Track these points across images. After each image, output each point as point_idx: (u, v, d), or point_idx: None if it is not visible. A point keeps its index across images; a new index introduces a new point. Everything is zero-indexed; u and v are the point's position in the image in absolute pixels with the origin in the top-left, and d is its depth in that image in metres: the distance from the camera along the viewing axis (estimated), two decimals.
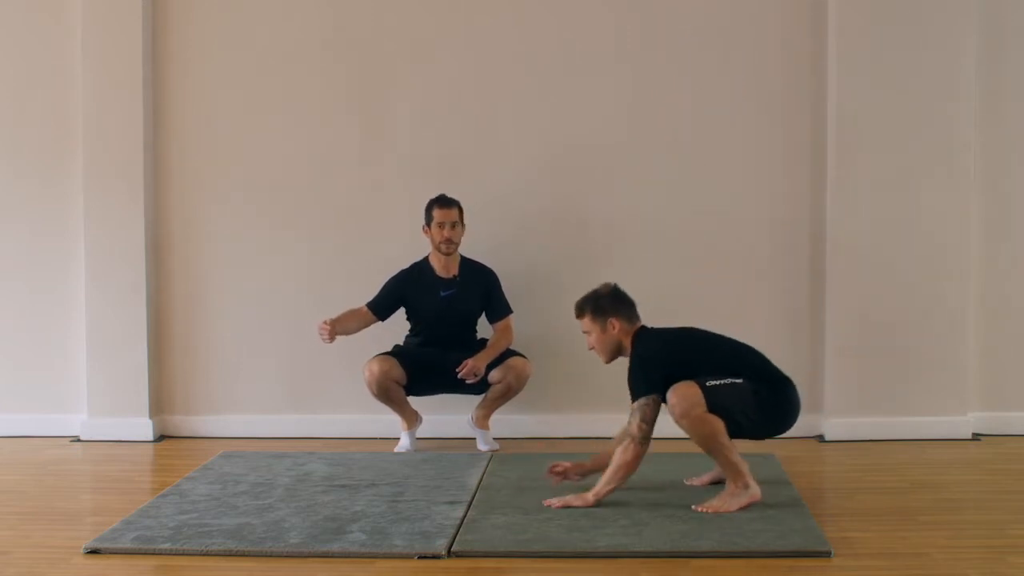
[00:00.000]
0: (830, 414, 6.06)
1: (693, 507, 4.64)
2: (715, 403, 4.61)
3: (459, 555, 4.20)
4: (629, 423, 4.67)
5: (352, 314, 5.83)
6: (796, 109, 6.12)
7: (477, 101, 6.22)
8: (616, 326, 4.81)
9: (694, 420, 4.60)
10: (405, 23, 6.22)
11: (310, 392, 6.31)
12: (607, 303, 4.83)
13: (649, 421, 4.64)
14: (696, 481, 5.08)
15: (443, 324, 5.87)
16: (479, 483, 5.14)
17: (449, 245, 5.84)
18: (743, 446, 5.51)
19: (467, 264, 5.95)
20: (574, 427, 6.17)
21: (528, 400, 6.09)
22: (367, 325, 5.85)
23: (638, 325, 4.86)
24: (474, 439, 5.96)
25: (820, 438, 6.06)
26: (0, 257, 6.35)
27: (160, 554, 4.25)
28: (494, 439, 5.95)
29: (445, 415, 6.09)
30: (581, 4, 6.18)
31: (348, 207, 6.27)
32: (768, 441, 5.90)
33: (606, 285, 4.91)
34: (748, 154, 6.15)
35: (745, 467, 4.68)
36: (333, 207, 6.27)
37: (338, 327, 5.70)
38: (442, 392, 5.88)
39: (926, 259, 5.99)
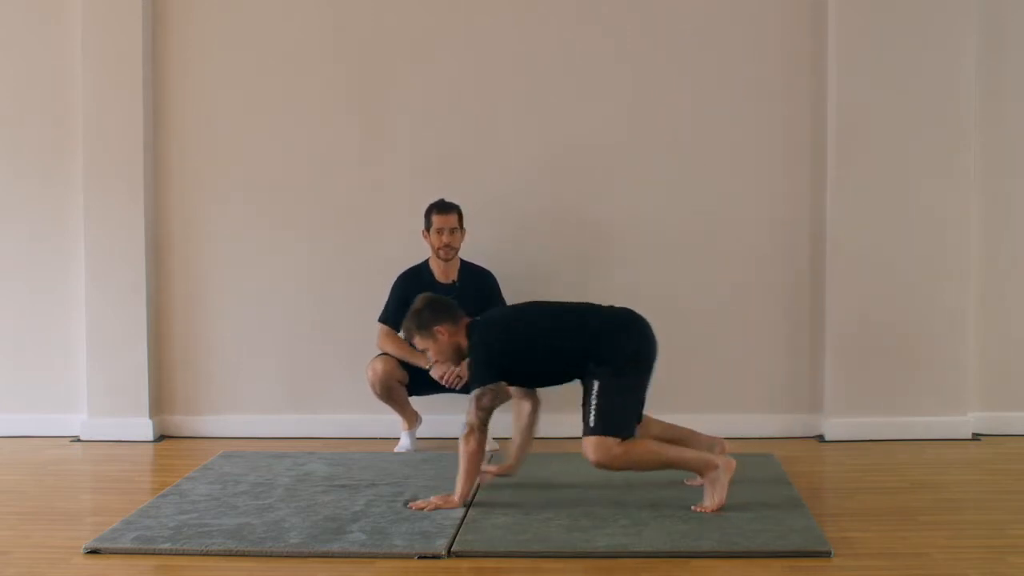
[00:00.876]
0: (830, 414, 6.06)
1: (693, 507, 4.64)
2: (613, 427, 4.62)
3: (459, 555, 4.20)
4: (468, 412, 4.72)
5: (395, 342, 5.71)
6: (796, 109, 6.12)
7: (477, 101, 6.22)
8: (444, 332, 4.83)
9: (619, 459, 4.62)
10: (405, 23, 6.22)
11: (310, 392, 6.31)
12: (427, 315, 4.85)
13: (485, 407, 4.70)
14: (695, 482, 5.07)
15: None
16: (479, 483, 5.14)
17: (448, 251, 5.83)
18: (743, 446, 5.52)
19: (466, 268, 5.94)
20: (574, 427, 6.14)
21: None
22: None
23: (464, 322, 4.87)
24: None
25: (820, 438, 6.07)
26: (0, 257, 6.34)
27: (160, 554, 4.25)
28: (493, 439, 5.95)
29: (445, 415, 6.08)
30: (581, 4, 6.18)
31: (348, 207, 6.27)
32: (768, 441, 5.93)
33: (420, 298, 4.92)
34: (748, 154, 6.15)
35: (699, 454, 4.70)
36: (333, 207, 6.27)
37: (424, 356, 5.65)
38: (443, 392, 5.87)
39: (926, 259, 5.99)
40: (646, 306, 6.08)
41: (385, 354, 5.78)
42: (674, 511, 4.63)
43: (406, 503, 4.77)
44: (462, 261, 5.93)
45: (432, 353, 4.90)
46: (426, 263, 5.92)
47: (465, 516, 4.62)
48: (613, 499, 4.83)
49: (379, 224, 6.27)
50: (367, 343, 5.92)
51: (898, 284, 6.01)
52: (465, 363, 5.64)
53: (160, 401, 6.33)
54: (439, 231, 5.81)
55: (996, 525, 4.54)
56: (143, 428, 6.22)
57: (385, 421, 6.01)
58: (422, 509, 4.68)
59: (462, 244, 5.89)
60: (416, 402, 5.95)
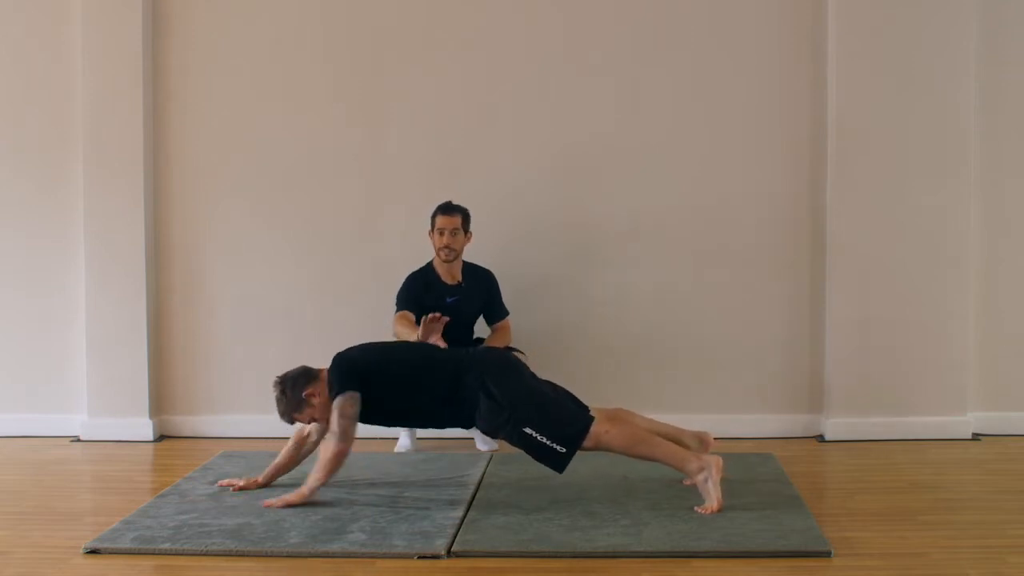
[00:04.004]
0: (830, 414, 6.05)
1: (695, 508, 4.63)
2: (563, 438, 4.63)
3: (459, 555, 4.20)
4: (330, 422, 4.75)
5: (408, 322, 5.74)
6: (796, 109, 6.12)
7: (478, 102, 6.22)
8: (317, 393, 4.86)
9: (607, 438, 4.64)
10: (406, 24, 6.22)
11: None
12: (292, 392, 4.87)
13: (347, 416, 4.72)
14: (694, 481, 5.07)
15: (447, 330, 5.85)
16: (479, 483, 5.14)
17: (448, 252, 5.83)
18: (743, 446, 5.53)
19: (469, 269, 5.94)
20: None
21: None
22: None
23: (322, 373, 4.90)
24: (473, 439, 5.96)
25: (820, 438, 6.07)
26: (0, 257, 6.34)
27: (160, 554, 4.25)
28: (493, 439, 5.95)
29: None
30: (583, 5, 6.18)
31: (348, 207, 6.26)
32: (768, 441, 5.93)
33: (274, 384, 4.93)
34: (748, 154, 6.15)
35: (684, 452, 4.70)
36: (333, 207, 6.27)
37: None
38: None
39: (926, 259, 5.99)
40: (646, 306, 6.14)
41: None
42: (674, 511, 4.63)
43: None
44: (464, 262, 5.93)
45: (317, 416, 4.88)
46: (430, 264, 5.92)
47: (465, 516, 4.62)
48: (613, 499, 4.83)
49: (379, 224, 6.27)
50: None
51: (898, 284, 6.01)
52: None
53: (160, 401, 6.33)
54: (440, 232, 5.81)
55: (996, 525, 4.54)
56: (143, 428, 6.22)
57: None
58: (273, 507, 4.73)
59: (465, 247, 5.88)
60: None
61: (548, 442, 4.63)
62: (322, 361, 6.19)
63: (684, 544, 4.24)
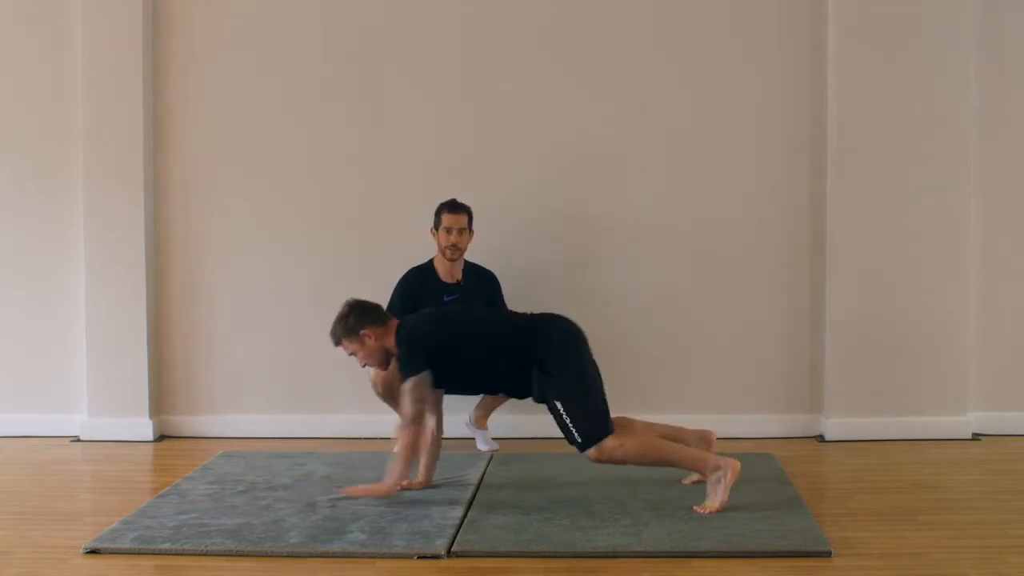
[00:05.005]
0: (830, 414, 6.05)
1: (694, 508, 4.63)
2: (589, 432, 4.63)
3: (459, 555, 4.20)
4: (402, 406, 4.75)
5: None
6: (796, 110, 6.12)
7: (478, 103, 6.22)
8: (372, 335, 4.83)
9: (619, 454, 4.63)
10: (406, 24, 6.22)
11: (310, 392, 6.30)
12: (354, 320, 4.85)
13: (419, 399, 4.71)
14: (695, 480, 5.07)
15: None
16: (479, 483, 5.14)
17: (455, 251, 5.83)
18: (743, 446, 5.53)
19: (471, 268, 5.94)
20: None
21: (528, 400, 6.09)
22: None
23: (393, 323, 4.88)
24: (473, 439, 5.96)
25: (820, 438, 6.06)
26: (0, 257, 6.34)
27: (160, 554, 4.25)
28: (493, 439, 5.96)
29: (445, 415, 6.07)
30: (584, 6, 6.18)
31: (349, 207, 6.26)
32: (768, 441, 5.93)
33: (346, 304, 4.91)
34: (748, 154, 6.15)
35: (702, 453, 4.71)
36: (334, 207, 6.27)
37: None
38: (444, 393, 5.86)
39: (926, 259, 5.99)
40: (646, 306, 6.13)
41: None
42: (674, 511, 4.63)
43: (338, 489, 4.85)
44: (466, 261, 5.93)
45: (360, 357, 4.88)
46: (431, 262, 5.92)
47: (465, 516, 4.62)
48: (613, 499, 4.83)
49: (380, 224, 6.27)
50: None
51: (898, 284, 6.01)
52: None
53: (160, 401, 6.33)
54: (447, 230, 5.80)
55: (996, 525, 4.54)
56: (143, 428, 6.22)
57: (385, 421, 6.00)
58: (351, 496, 4.75)
59: (469, 246, 5.89)
60: None
61: (570, 424, 4.65)
62: (323, 361, 6.24)
63: (684, 544, 4.24)
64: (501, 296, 5.97)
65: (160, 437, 6.29)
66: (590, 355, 4.85)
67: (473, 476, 5.25)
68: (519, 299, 6.05)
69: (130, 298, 6.19)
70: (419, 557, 4.17)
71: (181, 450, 6.04)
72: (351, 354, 4.92)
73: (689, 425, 5.75)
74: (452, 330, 4.85)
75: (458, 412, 6.00)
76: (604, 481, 5.12)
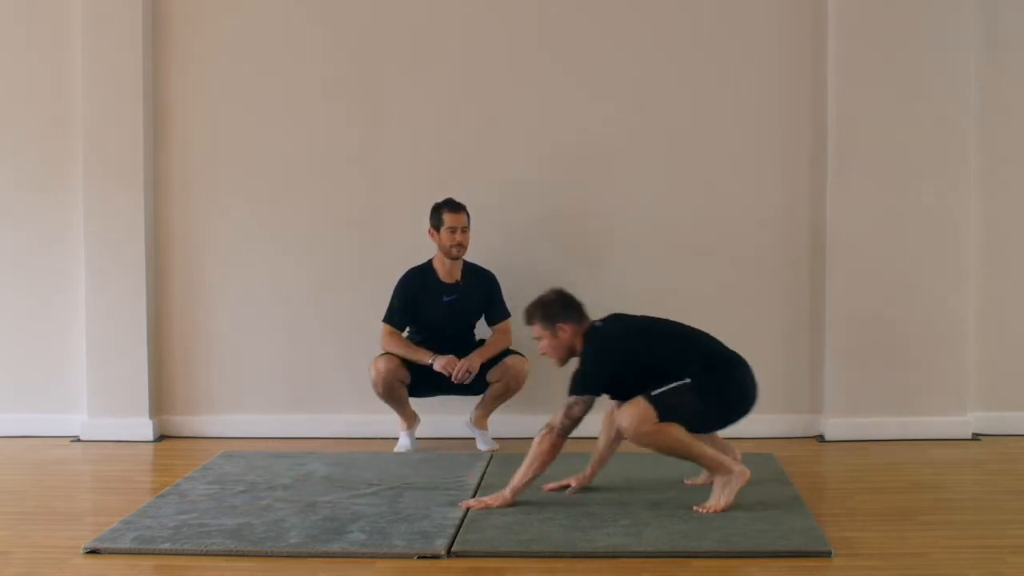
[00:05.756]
0: (830, 414, 6.05)
1: (694, 508, 4.64)
2: (664, 409, 4.61)
3: (459, 555, 4.20)
4: (556, 415, 4.69)
5: (398, 342, 5.80)
6: (796, 109, 6.12)
7: (478, 103, 6.22)
8: (566, 330, 4.81)
9: (648, 435, 4.62)
10: (406, 25, 6.22)
11: (310, 392, 6.30)
12: (556, 309, 4.84)
13: (574, 419, 4.66)
14: (695, 481, 5.08)
15: (444, 329, 5.86)
16: (479, 483, 5.14)
17: (460, 249, 5.83)
18: (743, 446, 5.52)
19: (470, 268, 5.94)
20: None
21: (528, 400, 6.10)
22: None
23: (587, 324, 4.86)
24: (473, 439, 5.96)
25: (820, 438, 6.06)
26: (0, 258, 6.34)
27: (160, 554, 4.25)
28: (493, 439, 5.96)
29: (445, 415, 6.09)
30: (584, 6, 6.18)
31: (349, 207, 6.26)
32: (768, 441, 5.92)
33: (552, 290, 4.91)
34: (748, 154, 6.15)
35: (721, 455, 4.70)
36: (334, 208, 6.27)
37: (428, 352, 5.75)
38: (443, 393, 5.87)
39: (926, 259, 5.99)
40: (646, 306, 6.09)
41: (388, 353, 5.78)
42: (674, 511, 4.63)
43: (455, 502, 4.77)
44: (464, 261, 5.93)
45: (543, 345, 4.85)
46: (430, 263, 5.92)
47: (465, 516, 4.62)
48: (613, 499, 4.83)
49: (379, 225, 6.27)
50: (367, 343, 5.92)
51: (898, 284, 6.01)
52: (474, 357, 5.66)
53: (160, 401, 6.33)
54: (451, 230, 5.80)
55: (996, 525, 4.54)
56: (143, 428, 6.22)
57: (385, 421, 6.01)
58: (472, 508, 4.68)
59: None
60: (415, 402, 5.94)
61: (662, 388, 4.61)
62: (323, 361, 6.24)
63: (684, 544, 4.24)
64: (500, 296, 5.97)
65: (160, 437, 6.28)
66: (731, 415, 4.81)
67: (473, 476, 5.25)
68: (518, 298, 6.04)
69: (130, 298, 6.19)
70: (419, 557, 4.17)
71: (181, 450, 6.04)
72: (536, 338, 4.88)
73: None
74: (644, 351, 4.76)
75: (459, 412, 6.01)
76: (604, 481, 5.12)
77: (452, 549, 4.23)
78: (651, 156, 6.18)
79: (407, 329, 5.93)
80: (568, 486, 4.96)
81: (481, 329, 6.02)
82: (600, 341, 4.79)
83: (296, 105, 6.27)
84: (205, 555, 4.22)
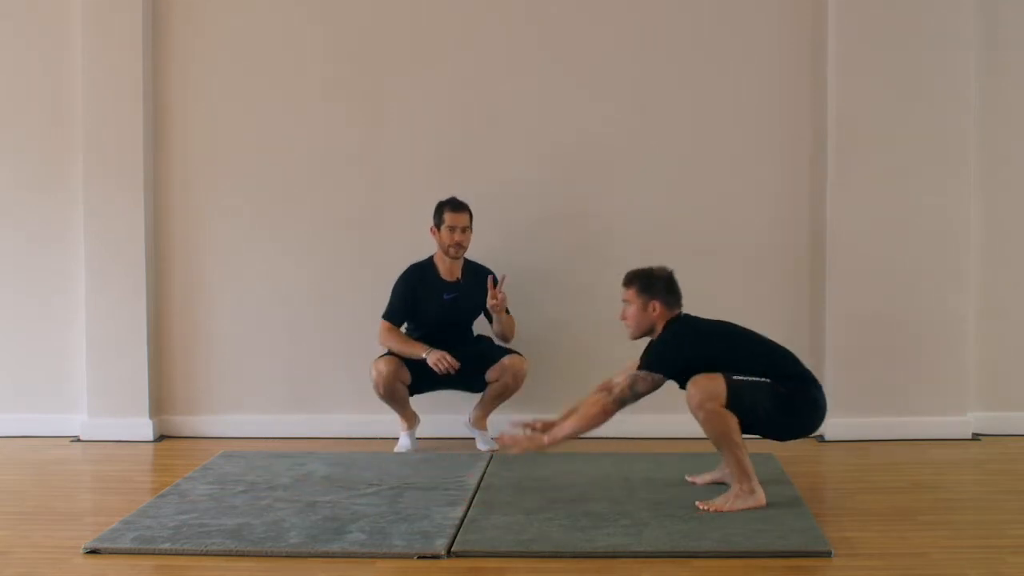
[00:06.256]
0: (830, 414, 6.02)
1: (697, 503, 4.65)
2: (736, 397, 4.60)
3: (459, 555, 4.20)
4: (618, 383, 4.68)
5: (396, 336, 5.82)
6: (796, 109, 6.12)
7: (478, 102, 6.22)
8: (657, 309, 4.82)
9: (709, 413, 4.60)
10: (407, 25, 6.22)
11: (310, 392, 6.30)
12: (659, 286, 4.84)
13: (636, 393, 4.66)
14: (697, 479, 5.08)
15: (444, 326, 5.87)
16: (479, 483, 5.14)
17: (459, 249, 5.84)
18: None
19: (470, 266, 5.95)
20: None
21: (528, 400, 6.10)
22: None
23: (675, 312, 4.87)
24: (473, 439, 5.96)
25: (820, 438, 6.06)
26: (0, 257, 6.34)
27: (160, 554, 4.25)
28: (492, 439, 5.95)
29: (445, 415, 6.10)
30: (584, 6, 6.18)
31: (349, 207, 6.26)
32: (768, 441, 5.91)
33: (663, 268, 4.91)
34: (748, 154, 6.15)
35: (753, 471, 4.69)
36: (334, 208, 6.27)
37: (423, 345, 5.74)
38: (443, 388, 5.87)
39: (926, 259, 5.99)
40: None
41: (389, 354, 5.78)
42: (674, 511, 4.63)
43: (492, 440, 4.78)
44: (465, 259, 5.94)
45: (629, 312, 4.85)
46: (431, 260, 5.92)
47: (465, 516, 4.62)
48: (613, 499, 4.83)
49: (380, 224, 6.27)
50: (367, 343, 5.92)
51: (898, 284, 6.01)
52: (502, 301, 5.70)
53: (160, 401, 6.33)
54: (451, 229, 5.80)
55: (996, 525, 4.54)
56: (143, 428, 6.22)
57: (385, 421, 6.01)
58: (506, 444, 4.70)
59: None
60: (416, 401, 5.94)
61: (735, 377, 4.63)
62: (323, 361, 6.24)
63: (684, 544, 4.24)
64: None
65: (160, 437, 6.28)
66: (799, 430, 4.84)
67: (473, 476, 5.25)
68: (518, 298, 6.06)
69: (130, 298, 6.19)
70: (419, 557, 4.17)
71: (181, 450, 6.04)
72: (624, 301, 4.88)
73: (688, 424, 5.72)
74: (713, 350, 4.76)
75: (459, 412, 6.01)
76: (604, 481, 5.12)
77: (452, 549, 4.23)
78: (651, 156, 6.18)
79: (405, 325, 5.93)
80: (535, 427, 4.87)
81: (482, 327, 6.02)
82: (684, 326, 4.82)
83: (296, 105, 6.27)
84: (205, 555, 4.22)
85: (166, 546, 4.28)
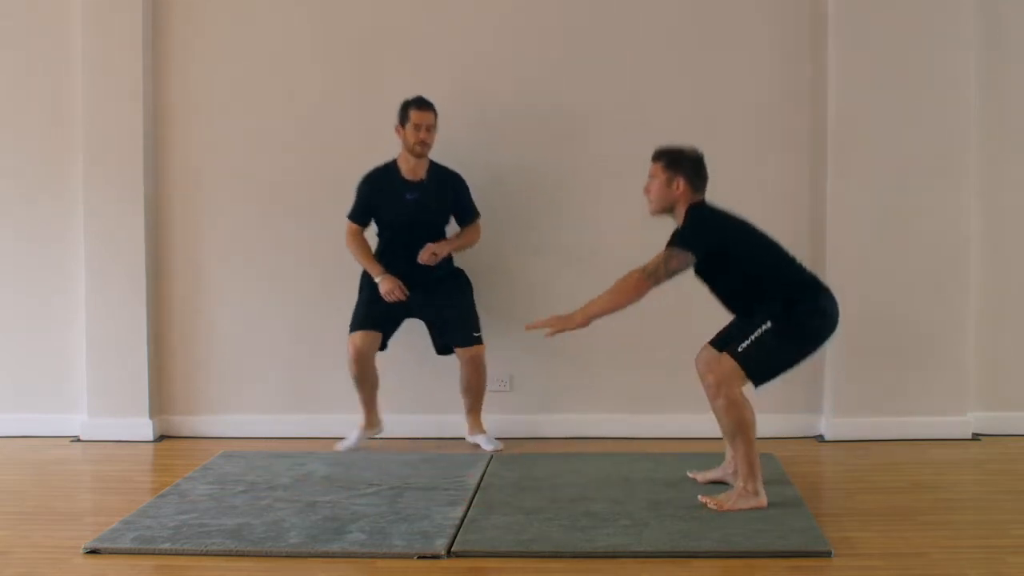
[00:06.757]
0: (830, 414, 6.05)
1: (700, 497, 4.67)
2: (750, 363, 4.63)
3: (459, 555, 4.20)
4: (650, 260, 4.66)
5: (358, 244, 5.85)
6: (796, 109, 6.12)
7: (477, 101, 6.21)
8: (680, 187, 4.78)
9: (728, 402, 4.63)
10: (407, 26, 6.21)
11: (310, 392, 6.30)
12: (687, 164, 4.79)
13: (669, 270, 4.64)
14: (698, 476, 5.08)
15: (409, 228, 5.80)
16: (479, 483, 5.14)
17: (424, 147, 5.78)
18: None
19: (436, 168, 5.88)
20: (574, 427, 6.17)
21: (528, 400, 6.11)
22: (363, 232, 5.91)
23: (698, 198, 4.82)
24: (466, 440, 5.97)
25: (820, 438, 6.06)
26: (0, 257, 6.34)
27: (160, 554, 4.25)
28: (496, 439, 5.94)
29: (445, 415, 6.10)
30: (583, 5, 6.17)
31: (348, 207, 6.25)
32: (768, 441, 5.91)
33: (694, 149, 4.86)
34: (748, 154, 6.15)
35: (760, 472, 4.69)
36: (333, 207, 6.24)
37: (380, 266, 5.76)
38: (414, 317, 5.85)
39: (926, 259, 5.99)
40: (645, 305, 6.08)
41: (362, 330, 5.76)
42: (674, 511, 4.63)
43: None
44: (431, 161, 5.88)
45: (652, 186, 4.82)
46: (394, 161, 5.88)
47: (465, 516, 4.62)
48: (613, 499, 4.83)
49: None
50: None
51: (898, 284, 6.01)
52: (442, 244, 5.73)
53: (160, 401, 6.33)
54: (416, 127, 5.75)
55: (996, 525, 4.54)
56: (143, 428, 6.22)
57: (384, 421, 6.01)
58: (542, 328, 4.69)
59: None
60: (416, 403, 5.94)
61: (750, 341, 4.64)
62: (323, 361, 6.23)
63: (684, 544, 4.24)
64: (469, 197, 5.92)
65: (160, 437, 6.28)
66: (819, 344, 4.81)
67: (473, 476, 5.25)
68: (518, 300, 6.06)
69: (130, 298, 6.19)
70: (419, 557, 4.17)
71: (181, 450, 6.04)
72: (650, 175, 4.85)
73: (688, 424, 5.77)
74: (739, 236, 4.77)
75: (459, 412, 6.01)
76: (604, 481, 5.12)
77: (452, 549, 4.23)
78: (650, 156, 6.16)
79: (376, 233, 5.92)
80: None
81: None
82: (712, 210, 4.79)
83: (296, 105, 6.26)
84: (205, 555, 4.22)
85: (166, 546, 4.28)
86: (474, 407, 5.93)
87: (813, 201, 6.11)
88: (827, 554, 4.14)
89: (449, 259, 5.92)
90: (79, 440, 6.24)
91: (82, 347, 6.26)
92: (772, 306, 4.70)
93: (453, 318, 5.85)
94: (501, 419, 6.08)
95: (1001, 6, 6.05)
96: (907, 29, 5.94)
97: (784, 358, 4.72)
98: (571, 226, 6.20)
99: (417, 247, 5.75)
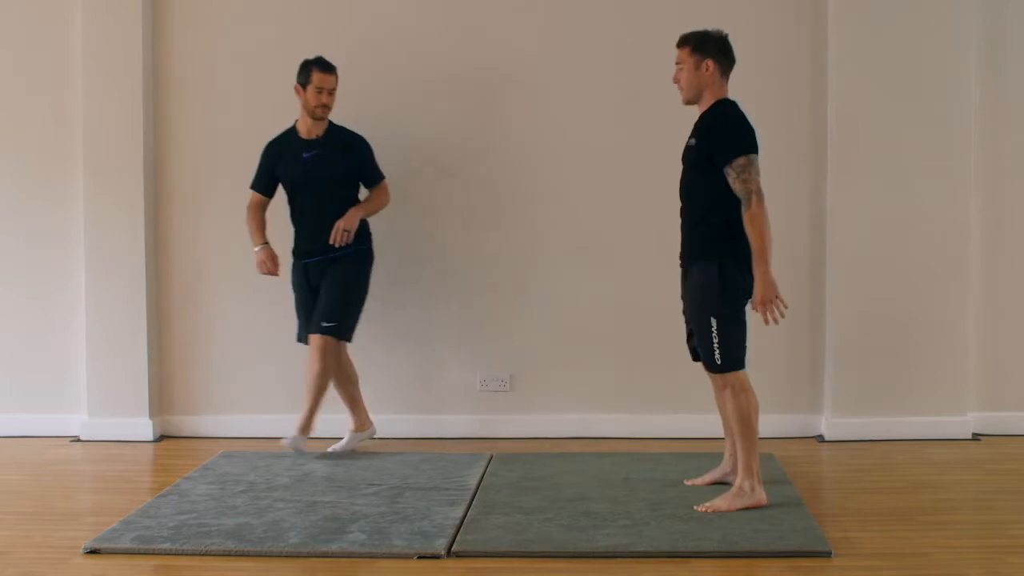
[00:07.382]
0: (830, 414, 6.05)
1: (695, 507, 4.64)
2: (733, 358, 4.70)
3: (459, 555, 4.20)
4: (743, 187, 4.59)
5: (253, 214, 5.83)
6: (796, 109, 6.12)
7: (476, 100, 6.20)
8: (710, 69, 4.71)
9: (736, 392, 4.66)
10: (407, 26, 6.21)
11: None
12: (713, 45, 4.73)
13: (758, 176, 4.59)
14: (696, 481, 5.08)
15: (309, 188, 5.73)
16: (479, 483, 5.14)
17: (323, 110, 5.74)
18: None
19: (335, 129, 5.84)
20: (574, 427, 6.16)
21: (527, 400, 6.11)
22: (266, 207, 5.86)
23: (725, 89, 4.77)
24: (469, 438, 5.96)
25: (820, 438, 6.06)
26: (0, 258, 6.34)
27: (160, 554, 4.25)
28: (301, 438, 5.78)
29: (444, 415, 6.10)
30: (580, 5, 6.17)
31: None
32: (768, 441, 5.91)
33: (718, 30, 4.80)
34: None
35: (759, 469, 4.69)
36: None
37: (262, 238, 5.77)
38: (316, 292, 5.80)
39: (926, 259, 5.99)
40: (646, 306, 6.12)
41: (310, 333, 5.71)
42: (674, 511, 4.63)
43: None
44: (334, 123, 5.84)
45: (681, 75, 4.76)
46: (293, 126, 5.85)
47: (465, 516, 4.62)
48: (613, 499, 4.83)
49: (378, 224, 6.25)
50: (367, 342, 5.92)
51: (898, 284, 6.00)
52: (350, 214, 5.60)
53: (160, 401, 6.33)
54: (318, 90, 5.71)
55: (996, 525, 4.55)
56: (143, 428, 6.22)
57: (384, 421, 6.01)
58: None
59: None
60: (416, 402, 5.93)
61: (716, 345, 4.65)
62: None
63: (684, 544, 4.24)
64: (373, 160, 5.85)
65: (160, 437, 6.28)
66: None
67: (473, 476, 5.25)
68: (519, 303, 6.06)
69: (130, 298, 6.19)
70: (419, 557, 4.17)
71: (181, 450, 6.04)
72: (677, 64, 4.79)
73: (688, 424, 5.76)
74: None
75: (459, 412, 6.01)
76: (604, 481, 5.12)
77: (452, 549, 4.23)
78: (650, 156, 6.16)
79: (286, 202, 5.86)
80: None
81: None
82: (739, 108, 4.74)
83: (295, 105, 6.25)
84: (205, 555, 4.23)
85: (166, 546, 4.28)
86: (348, 401, 5.84)
87: (813, 201, 6.11)
88: (827, 554, 4.14)
89: (361, 235, 5.79)
90: (79, 440, 6.24)
91: (82, 347, 6.26)
92: (719, 247, 4.66)
93: (321, 302, 5.74)
94: (501, 419, 6.08)
95: (1001, 6, 6.04)
96: (907, 29, 5.94)
97: (741, 328, 4.73)
98: (571, 226, 6.20)
99: (323, 211, 5.66)
